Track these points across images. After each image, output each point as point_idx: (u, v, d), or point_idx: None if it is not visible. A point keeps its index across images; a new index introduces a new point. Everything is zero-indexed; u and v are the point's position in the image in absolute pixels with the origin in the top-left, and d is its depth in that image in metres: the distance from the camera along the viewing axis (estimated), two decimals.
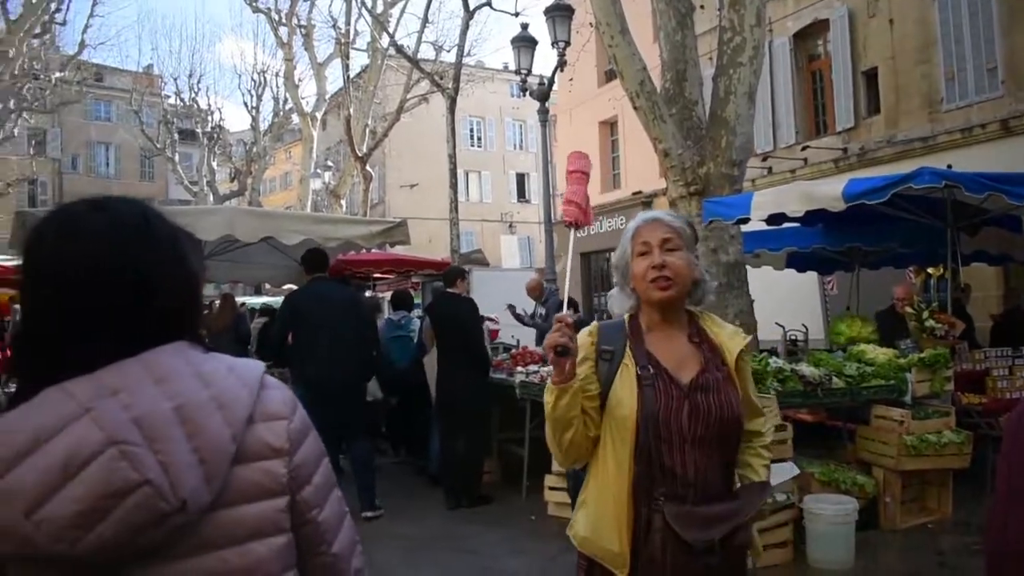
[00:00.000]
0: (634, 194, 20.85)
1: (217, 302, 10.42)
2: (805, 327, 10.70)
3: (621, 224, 21.52)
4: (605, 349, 2.26)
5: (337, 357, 6.36)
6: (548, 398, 2.16)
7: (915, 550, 5.40)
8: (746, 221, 7.72)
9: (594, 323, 2.38)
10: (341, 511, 1.38)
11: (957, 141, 12.97)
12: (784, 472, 4.95)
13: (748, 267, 9.12)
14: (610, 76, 19.13)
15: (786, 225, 8.36)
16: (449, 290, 7.51)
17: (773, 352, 8.46)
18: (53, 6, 23.86)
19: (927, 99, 13.64)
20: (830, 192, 6.55)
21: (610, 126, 22.66)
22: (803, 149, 15.56)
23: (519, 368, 7.39)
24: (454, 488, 7.08)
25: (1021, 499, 1.49)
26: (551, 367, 2.15)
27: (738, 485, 2.24)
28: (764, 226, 8.24)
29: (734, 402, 2.17)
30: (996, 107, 12.54)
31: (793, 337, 10.48)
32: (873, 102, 14.81)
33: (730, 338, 2.30)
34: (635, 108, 8.99)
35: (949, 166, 7.52)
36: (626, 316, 2.34)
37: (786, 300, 11.05)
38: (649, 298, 2.23)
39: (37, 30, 24.11)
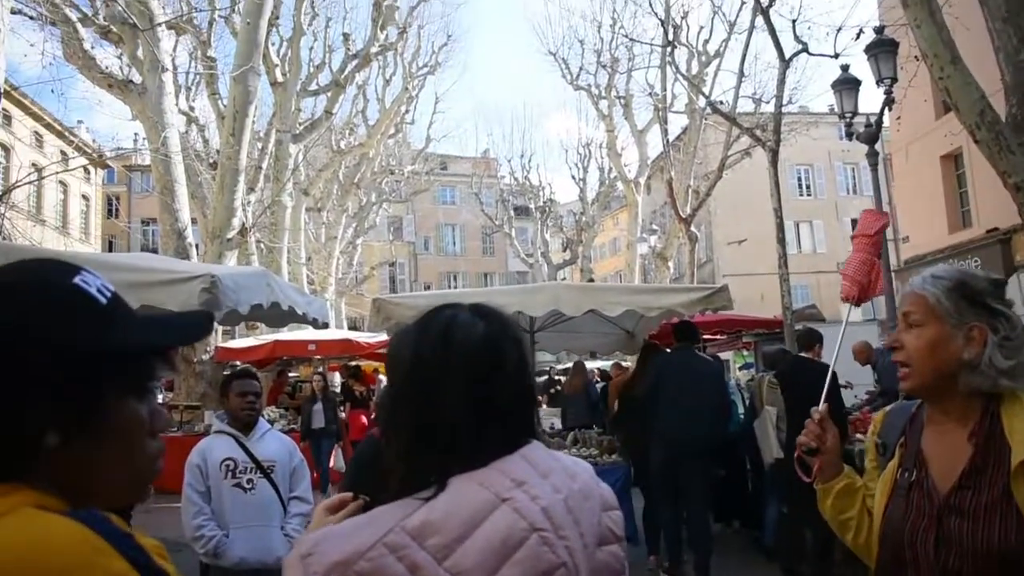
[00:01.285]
0: (988, 232, 18.82)
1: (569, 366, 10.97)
2: None
3: (976, 266, 19.50)
4: (879, 442, 1.93)
5: (697, 423, 6.64)
6: (818, 497, 1.95)
7: None
8: None
9: (884, 410, 2.02)
10: None
11: None
12: None
13: None
14: (948, 107, 17.68)
15: None
16: (803, 354, 7.30)
17: None
18: (403, 108, 26.95)
19: None
20: None
21: (954, 159, 20.78)
22: None
23: (858, 435, 6.88)
24: (792, 565, 6.69)
25: None
26: None
27: None
28: None
29: (1000, 534, 1.58)
30: None
31: None
32: None
33: None
34: (976, 141, 8.25)
35: None
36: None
37: None
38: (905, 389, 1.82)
39: (391, 131, 27.35)
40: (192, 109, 20.19)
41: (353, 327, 24.21)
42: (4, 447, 0.87)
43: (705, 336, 14.45)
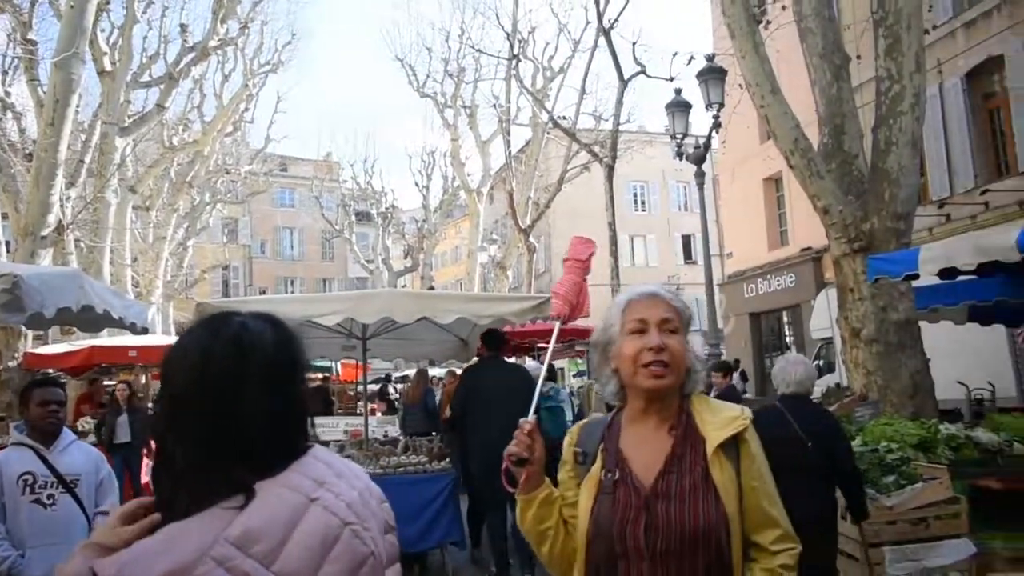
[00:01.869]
0: (803, 250, 20.19)
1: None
2: (992, 385, 9.92)
3: (791, 282, 20.84)
4: (579, 451, 2.00)
5: (507, 431, 6.59)
6: (518, 511, 1.98)
7: None
8: (915, 277, 7.32)
9: (579, 422, 2.13)
10: None
11: None
12: (958, 550, 4.57)
13: (925, 323, 8.62)
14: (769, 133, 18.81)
15: (962, 277, 7.83)
16: None
17: (956, 414, 7.90)
18: (242, 106, 26.09)
19: None
20: (1002, 243, 6.10)
21: (774, 182, 22.14)
22: (983, 193, 14.62)
23: None
24: None
25: None
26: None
27: None
28: (938, 279, 7.76)
29: (703, 511, 1.76)
30: None
31: (978, 396, 9.75)
32: None
33: (720, 426, 1.85)
34: (791, 166, 8.81)
35: None
36: (617, 407, 2.04)
37: (969, 357, 10.29)
38: (638, 384, 1.88)
39: (229, 129, 26.42)
40: (8, 95, 18.78)
41: (182, 333, 23.11)
42: None
43: (540, 344, 14.76)
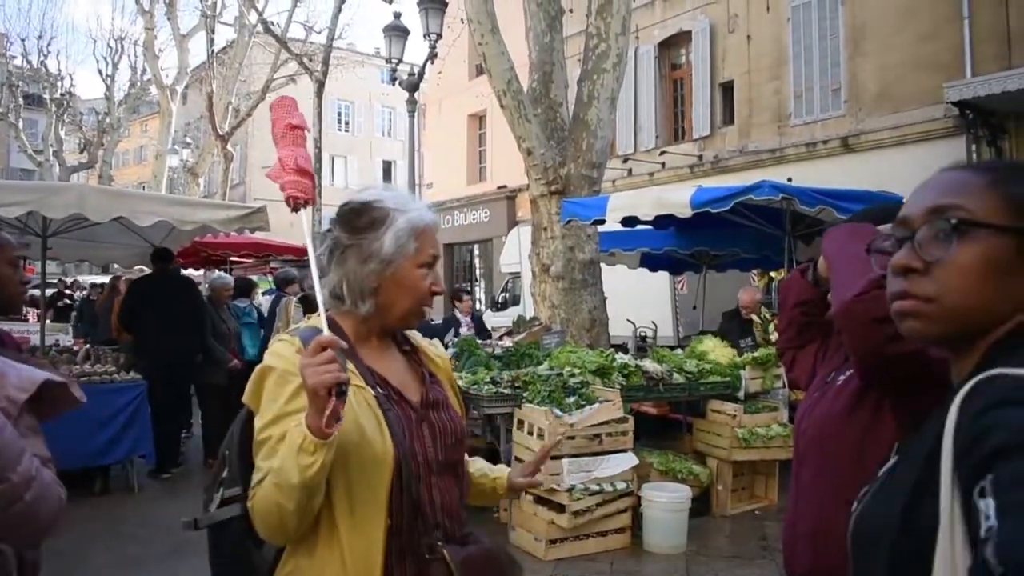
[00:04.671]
0: (499, 188, 21.11)
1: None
2: (654, 324, 11.18)
3: (485, 217, 21.75)
4: None
5: (176, 335, 7.32)
6: (306, 460, 1.42)
7: (742, 534, 5.80)
8: (602, 222, 8.04)
9: (288, 335, 1.72)
10: None
11: (802, 155, 13.82)
12: (624, 462, 5.25)
13: (604, 265, 9.48)
14: (480, 70, 19.29)
15: (640, 227, 8.72)
16: None
17: (623, 347, 8.86)
18: None
19: (777, 114, 14.46)
20: (679, 199, 6.93)
21: (479, 119, 22.84)
22: (661, 154, 16.20)
23: None
24: None
25: None
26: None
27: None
28: (620, 227, 8.57)
29: (457, 416, 1.84)
30: (838, 125, 13.43)
31: (643, 334, 10.94)
32: (728, 113, 15.56)
33: (439, 351, 1.98)
34: (501, 106, 9.19)
35: (789, 179, 8.07)
36: (311, 319, 1.76)
37: (638, 298, 11.51)
38: (407, 320, 1.79)
39: None
40: None
41: None
42: None
43: (233, 258, 14.28)
